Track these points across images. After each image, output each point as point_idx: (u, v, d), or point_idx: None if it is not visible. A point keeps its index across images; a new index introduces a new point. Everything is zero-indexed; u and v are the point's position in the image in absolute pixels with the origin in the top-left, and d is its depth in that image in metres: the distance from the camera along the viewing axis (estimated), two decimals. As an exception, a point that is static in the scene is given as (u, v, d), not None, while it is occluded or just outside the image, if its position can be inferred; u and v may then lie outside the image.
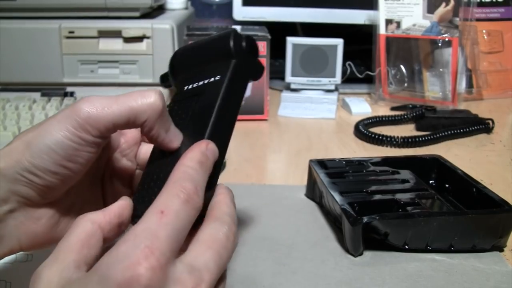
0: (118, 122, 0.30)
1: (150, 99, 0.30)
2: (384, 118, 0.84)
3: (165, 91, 0.82)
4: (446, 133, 0.77)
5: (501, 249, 0.47)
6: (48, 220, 0.33)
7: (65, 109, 0.31)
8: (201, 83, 0.36)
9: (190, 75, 0.38)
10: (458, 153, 0.72)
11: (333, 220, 0.51)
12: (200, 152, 0.30)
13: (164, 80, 0.41)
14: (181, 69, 0.39)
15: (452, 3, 0.89)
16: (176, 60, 0.40)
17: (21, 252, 0.36)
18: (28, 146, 0.30)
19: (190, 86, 0.36)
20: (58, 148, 0.30)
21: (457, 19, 0.90)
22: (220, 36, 0.37)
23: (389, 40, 0.94)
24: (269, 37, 0.82)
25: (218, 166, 0.32)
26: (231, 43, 0.36)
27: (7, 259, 0.40)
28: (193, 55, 0.39)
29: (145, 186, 0.32)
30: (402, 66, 0.95)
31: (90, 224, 0.28)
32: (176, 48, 0.82)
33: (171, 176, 0.28)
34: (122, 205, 0.30)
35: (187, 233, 0.27)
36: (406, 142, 0.74)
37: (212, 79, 0.35)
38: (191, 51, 0.39)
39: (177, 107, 0.36)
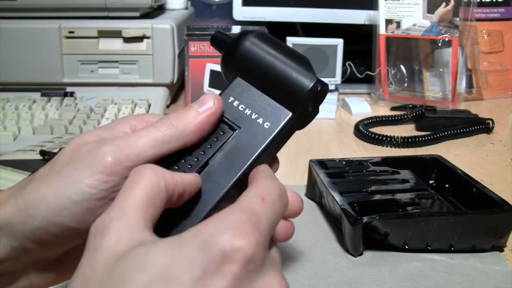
0: (149, 155, 0.28)
1: (179, 126, 0.28)
2: (384, 118, 0.84)
3: (165, 91, 0.82)
4: (446, 133, 0.77)
5: (501, 249, 0.47)
6: (58, 271, 0.31)
7: (83, 156, 0.27)
8: (247, 112, 0.31)
9: (242, 85, 0.32)
10: (458, 153, 0.72)
11: (333, 220, 0.51)
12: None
13: (216, 44, 0.35)
14: (240, 63, 0.33)
15: (452, 3, 0.89)
16: (244, 47, 0.32)
17: None
18: (43, 199, 0.27)
19: (236, 103, 0.32)
20: (81, 199, 0.26)
21: (457, 19, 0.90)
22: (300, 71, 0.31)
23: (389, 40, 0.94)
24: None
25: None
26: (304, 96, 0.31)
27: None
28: (262, 61, 0.32)
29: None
30: (402, 66, 0.95)
31: (156, 180, 0.25)
32: (176, 49, 0.82)
33: (261, 177, 0.29)
34: (192, 180, 0.28)
35: (276, 227, 0.27)
36: (406, 142, 0.74)
37: (260, 122, 0.31)
38: (265, 52, 0.32)
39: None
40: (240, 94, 0.32)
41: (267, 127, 0.31)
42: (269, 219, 0.25)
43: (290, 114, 0.31)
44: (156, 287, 0.21)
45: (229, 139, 0.31)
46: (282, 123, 0.31)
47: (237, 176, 0.30)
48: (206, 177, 0.30)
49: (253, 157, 0.30)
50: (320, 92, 0.32)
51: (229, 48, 0.33)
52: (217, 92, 0.32)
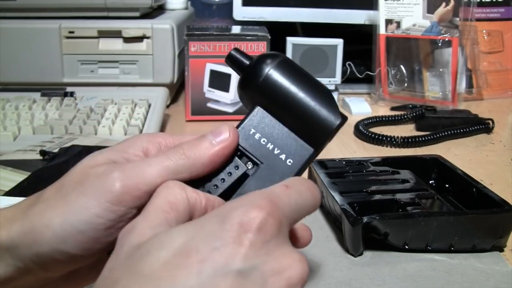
0: (155, 185, 0.27)
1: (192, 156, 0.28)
2: (384, 118, 0.84)
3: (165, 90, 0.82)
4: (446, 133, 0.77)
5: (501, 249, 0.47)
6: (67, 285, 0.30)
7: (92, 181, 0.27)
8: (269, 147, 0.30)
9: (263, 117, 0.31)
10: (458, 153, 0.72)
11: (333, 220, 0.51)
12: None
13: (233, 64, 0.33)
14: (265, 92, 0.31)
15: (452, 3, 0.89)
16: (269, 76, 0.30)
17: None
18: (49, 225, 0.26)
19: (258, 137, 0.30)
20: (87, 228, 0.26)
21: (457, 19, 0.90)
22: (325, 107, 0.30)
23: (389, 40, 0.94)
24: (269, 37, 0.82)
25: None
26: (328, 135, 0.30)
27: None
28: (287, 92, 0.30)
29: None
30: (402, 66, 0.95)
31: (179, 189, 0.26)
32: (176, 49, 0.82)
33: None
34: (218, 201, 0.28)
35: (301, 218, 0.27)
36: (406, 142, 0.74)
37: (283, 158, 0.30)
38: (290, 82, 0.30)
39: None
40: (262, 126, 0.31)
41: (289, 164, 0.30)
42: (292, 204, 0.25)
43: (313, 150, 0.30)
44: (176, 261, 0.22)
45: (252, 173, 0.30)
46: (305, 160, 0.30)
47: None
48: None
49: None
50: (340, 127, 0.31)
51: (249, 73, 0.31)
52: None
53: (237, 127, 0.31)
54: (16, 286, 0.28)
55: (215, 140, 0.29)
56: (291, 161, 0.30)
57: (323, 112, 0.30)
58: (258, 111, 0.31)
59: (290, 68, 0.31)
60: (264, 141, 0.30)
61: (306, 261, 0.24)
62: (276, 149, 0.30)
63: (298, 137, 0.30)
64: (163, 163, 0.27)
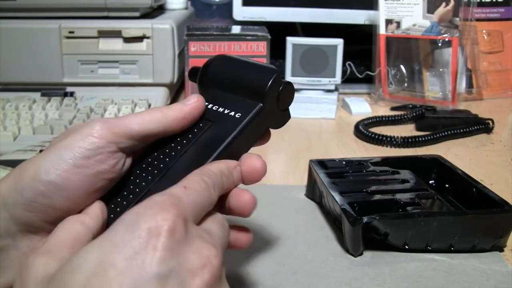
0: (135, 129, 0.31)
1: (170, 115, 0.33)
2: (384, 118, 0.84)
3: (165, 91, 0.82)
4: (446, 133, 0.77)
5: (501, 249, 0.47)
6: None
7: (77, 128, 0.31)
8: (221, 110, 0.36)
9: (216, 93, 0.37)
10: (458, 153, 0.72)
11: (333, 220, 0.51)
12: (227, 167, 0.32)
13: (192, 77, 0.40)
14: (211, 79, 0.38)
15: (452, 3, 0.89)
16: (211, 68, 0.39)
17: None
18: (33, 162, 0.29)
19: (210, 106, 0.36)
20: (69, 157, 0.29)
21: (457, 19, 0.90)
22: (261, 71, 0.37)
23: (389, 40, 0.94)
24: (269, 37, 0.82)
25: None
26: (268, 86, 0.35)
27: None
28: (228, 72, 0.38)
29: (124, 193, 0.32)
30: (402, 66, 0.95)
31: (79, 225, 0.28)
32: (176, 49, 0.82)
33: (195, 171, 0.30)
34: (102, 207, 0.30)
35: (203, 214, 0.28)
36: (406, 142, 0.74)
37: (232, 114, 0.35)
38: (229, 67, 0.38)
39: None
40: (215, 100, 0.37)
41: (238, 116, 0.35)
42: (192, 203, 0.27)
43: (260, 104, 0.35)
44: (95, 282, 0.22)
45: (205, 131, 0.34)
46: (254, 112, 0.35)
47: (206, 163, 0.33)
48: (177, 163, 0.33)
49: (224, 143, 0.33)
50: (285, 89, 0.37)
51: (202, 72, 0.39)
52: None
53: None
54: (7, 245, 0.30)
55: (187, 103, 0.34)
56: (239, 114, 0.35)
57: (260, 72, 0.37)
58: (212, 91, 0.38)
59: (231, 57, 0.39)
60: (216, 107, 0.36)
61: (218, 254, 0.26)
62: (226, 109, 0.36)
63: (246, 98, 0.36)
64: (141, 115, 0.32)
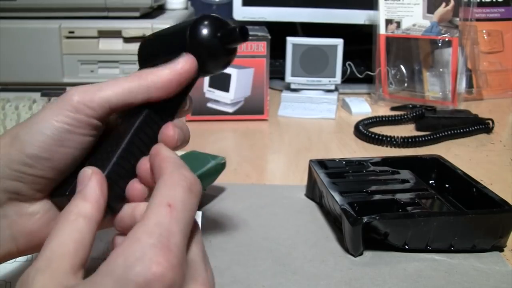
0: (113, 102, 0.30)
1: (148, 81, 0.30)
2: (384, 118, 0.84)
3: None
4: (446, 133, 0.77)
5: (501, 249, 0.47)
6: (43, 216, 0.31)
7: (55, 100, 0.31)
8: None
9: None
10: (458, 153, 0.72)
11: (333, 220, 0.51)
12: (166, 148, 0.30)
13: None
14: (146, 59, 0.36)
15: (452, 3, 0.89)
16: (142, 49, 0.36)
17: None
18: (16, 136, 0.29)
19: None
20: (50, 132, 0.29)
21: (457, 19, 0.90)
22: (181, 26, 0.33)
23: (389, 40, 0.94)
24: (269, 37, 0.82)
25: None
26: (187, 35, 0.32)
27: (7, 259, 0.40)
28: (156, 45, 0.35)
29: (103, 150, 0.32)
30: (402, 66, 0.95)
31: (82, 221, 0.26)
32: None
33: (165, 168, 0.27)
34: (101, 182, 0.28)
35: (192, 224, 0.26)
36: (406, 142, 0.74)
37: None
38: (156, 40, 0.36)
39: None
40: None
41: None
42: (182, 228, 0.24)
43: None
44: None
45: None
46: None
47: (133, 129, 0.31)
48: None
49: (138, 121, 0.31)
50: (210, 26, 0.32)
51: (138, 55, 0.36)
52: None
53: None
54: None
55: (172, 68, 0.31)
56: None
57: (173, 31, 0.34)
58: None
59: (152, 34, 0.36)
60: None
61: (211, 282, 0.26)
62: None
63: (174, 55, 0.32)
64: (119, 83, 0.30)
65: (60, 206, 0.33)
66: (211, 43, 0.33)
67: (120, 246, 0.23)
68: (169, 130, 0.31)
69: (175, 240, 0.23)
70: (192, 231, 0.26)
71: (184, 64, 0.31)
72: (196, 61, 0.32)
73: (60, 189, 0.32)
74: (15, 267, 0.41)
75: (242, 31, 0.32)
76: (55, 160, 0.30)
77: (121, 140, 0.31)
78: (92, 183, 0.28)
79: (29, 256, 0.41)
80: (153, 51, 0.35)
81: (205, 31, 0.32)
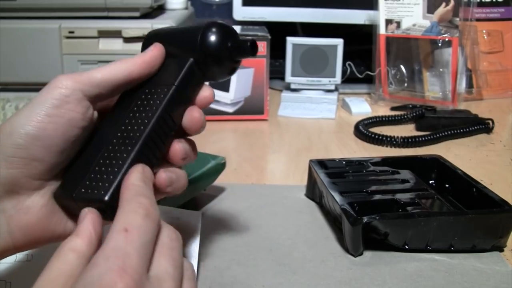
0: (97, 77, 0.32)
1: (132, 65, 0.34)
2: (384, 118, 0.84)
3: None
4: (446, 133, 0.77)
5: (501, 249, 0.47)
6: (40, 210, 0.32)
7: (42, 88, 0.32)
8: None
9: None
10: (458, 153, 0.72)
11: (333, 220, 0.51)
12: (141, 173, 0.30)
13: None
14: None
15: (452, 3, 0.89)
16: (149, 41, 0.37)
17: (21, 252, 0.35)
18: (7, 122, 0.30)
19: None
20: (39, 109, 0.30)
21: (457, 19, 0.90)
22: (192, 28, 0.35)
23: (389, 40, 0.94)
24: (269, 37, 0.82)
25: None
26: (198, 39, 0.34)
27: (7, 259, 0.40)
28: (164, 41, 0.36)
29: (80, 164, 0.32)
30: (402, 66, 0.95)
31: (72, 255, 0.27)
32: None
33: (123, 195, 0.28)
34: (94, 219, 0.29)
35: (153, 247, 0.27)
36: (406, 142, 0.74)
37: (170, 75, 0.34)
38: (165, 36, 0.37)
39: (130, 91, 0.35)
40: None
41: (168, 85, 0.34)
42: (138, 250, 0.25)
43: (190, 59, 0.35)
44: None
45: (142, 99, 0.34)
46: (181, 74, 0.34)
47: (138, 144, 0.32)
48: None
49: (153, 120, 0.32)
50: (222, 34, 0.34)
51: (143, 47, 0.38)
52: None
53: None
54: None
55: (147, 51, 0.35)
56: (169, 84, 0.34)
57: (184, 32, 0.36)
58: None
59: (161, 29, 0.39)
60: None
61: None
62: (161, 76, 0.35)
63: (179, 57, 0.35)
64: (105, 66, 0.33)
65: (64, 207, 0.33)
66: (221, 52, 0.34)
67: (82, 272, 0.25)
68: (196, 112, 0.36)
69: (131, 262, 0.24)
70: (161, 248, 0.27)
71: (152, 49, 0.35)
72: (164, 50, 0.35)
73: (63, 188, 0.32)
74: (15, 267, 0.41)
75: (252, 46, 0.34)
76: (45, 139, 0.30)
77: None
78: (85, 221, 0.29)
79: (29, 256, 0.41)
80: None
81: (216, 39, 0.34)
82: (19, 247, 0.32)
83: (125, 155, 0.31)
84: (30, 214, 0.31)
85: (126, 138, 0.32)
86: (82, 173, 0.31)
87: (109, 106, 0.35)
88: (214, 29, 0.34)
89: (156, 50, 0.35)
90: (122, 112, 0.34)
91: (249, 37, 0.34)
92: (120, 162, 0.31)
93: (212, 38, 0.34)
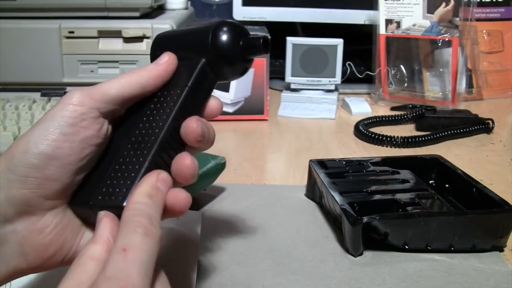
0: (112, 93, 0.32)
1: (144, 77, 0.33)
2: (384, 118, 0.84)
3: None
4: (446, 133, 0.77)
5: (501, 249, 0.47)
6: (54, 229, 0.31)
7: (56, 104, 0.31)
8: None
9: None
10: (458, 153, 0.72)
11: (333, 220, 0.51)
12: (150, 186, 0.29)
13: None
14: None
15: (452, 3, 0.89)
16: (156, 46, 0.37)
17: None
18: (21, 138, 0.30)
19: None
20: (53, 128, 0.30)
21: (457, 19, 0.90)
22: (201, 28, 0.34)
23: (389, 40, 0.94)
24: (269, 37, 0.82)
25: None
26: (209, 39, 0.33)
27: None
28: (173, 45, 0.36)
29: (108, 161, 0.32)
30: (402, 66, 0.95)
31: (90, 263, 0.26)
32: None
33: (122, 216, 0.28)
34: (111, 225, 0.29)
35: (154, 265, 0.26)
36: (406, 142, 0.74)
37: (183, 76, 0.34)
38: (174, 39, 0.37)
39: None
40: None
41: (179, 89, 0.34)
42: (140, 268, 0.25)
43: (202, 60, 0.34)
44: None
45: (153, 104, 0.34)
46: (201, 64, 0.34)
47: (154, 149, 0.31)
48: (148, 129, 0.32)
49: (167, 124, 0.32)
50: (235, 34, 0.34)
51: (152, 49, 0.38)
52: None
53: None
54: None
55: (159, 62, 0.34)
56: (180, 88, 0.34)
57: (194, 32, 0.35)
58: None
59: (169, 31, 0.38)
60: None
61: None
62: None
63: (191, 59, 0.35)
64: (118, 80, 0.32)
65: (81, 216, 0.33)
66: (233, 51, 0.34)
67: None
68: (193, 122, 0.32)
69: (133, 281, 0.24)
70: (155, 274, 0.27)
71: (165, 60, 0.35)
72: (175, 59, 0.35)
73: (79, 195, 0.32)
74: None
75: (265, 43, 0.34)
76: (60, 158, 0.29)
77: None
78: (101, 227, 0.28)
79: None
80: (170, 50, 0.36)
81: (227, 38, 0.34)
82: (33, 267, 0.31)
83: (141, 159, 0.31)
84: (43, 234, 0.31)
85: (142, 142, 0.32)
86: (98, 180, 0.31)
87: (120, 114, 0.35)
88: (225, 28, 0.34)
89: (169, 61, 0.34)
90: (135, 117, 0.33)
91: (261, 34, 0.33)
92: (137, 167, 0.30)
93: (224, 37, 0.33)
